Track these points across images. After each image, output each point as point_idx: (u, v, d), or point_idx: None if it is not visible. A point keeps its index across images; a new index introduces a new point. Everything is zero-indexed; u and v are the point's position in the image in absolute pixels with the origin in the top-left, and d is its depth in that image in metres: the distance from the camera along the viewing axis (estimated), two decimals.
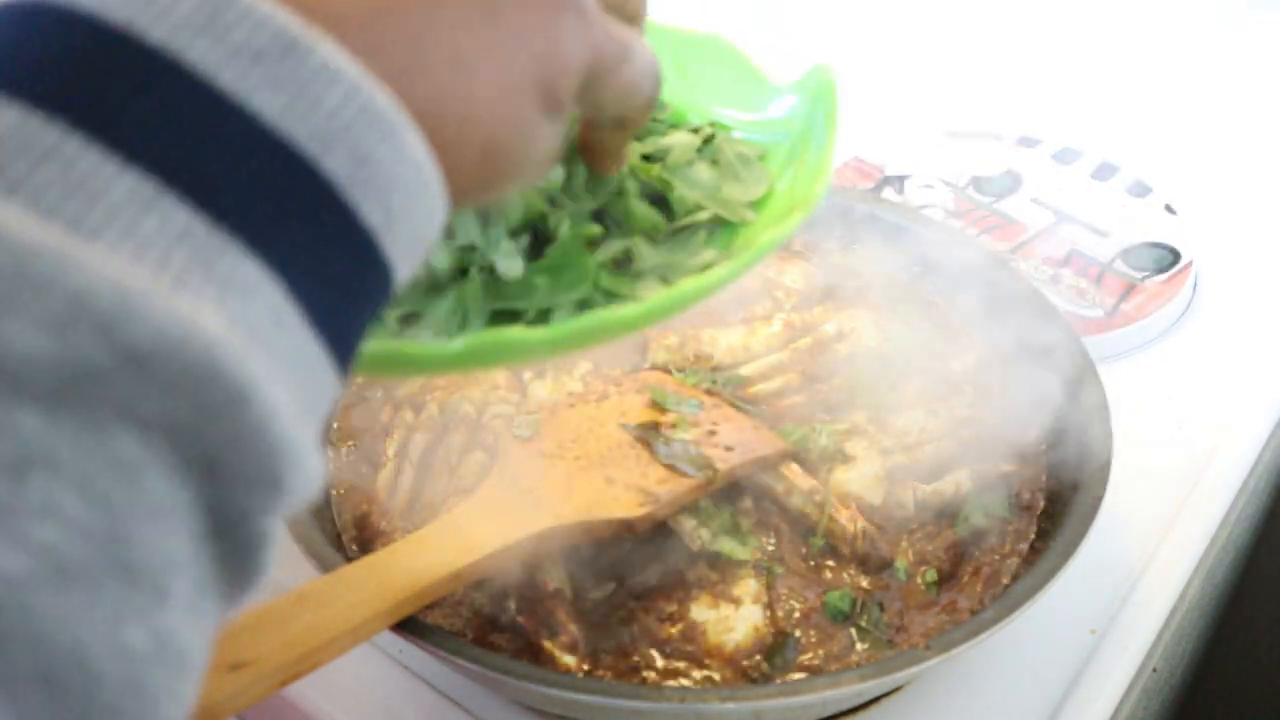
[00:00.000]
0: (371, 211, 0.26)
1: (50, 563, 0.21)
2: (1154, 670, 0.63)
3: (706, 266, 0.42)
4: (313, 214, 0.25)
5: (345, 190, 0.26)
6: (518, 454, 0.63)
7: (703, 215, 0.45)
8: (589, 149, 0.41)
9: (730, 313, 0.74)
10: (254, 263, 0.24)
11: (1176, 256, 0.87)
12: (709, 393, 0.68)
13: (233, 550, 0.24)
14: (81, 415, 0.22)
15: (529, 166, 0.32)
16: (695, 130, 0.48)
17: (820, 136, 0.46)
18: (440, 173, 0.28)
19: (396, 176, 0.27)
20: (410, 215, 0.27)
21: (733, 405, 0.67)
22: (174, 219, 0.23)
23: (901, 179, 0.95)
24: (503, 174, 0.31)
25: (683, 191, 0.45)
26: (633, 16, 0.36)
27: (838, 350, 0.72)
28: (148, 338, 0.22)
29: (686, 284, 0.39)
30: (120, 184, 0.23)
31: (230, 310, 0.23)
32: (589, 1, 0.33)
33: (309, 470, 0.25)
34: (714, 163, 0.47)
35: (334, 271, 0.26)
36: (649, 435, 0.63)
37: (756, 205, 0.46)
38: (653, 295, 0.39)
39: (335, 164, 0.25)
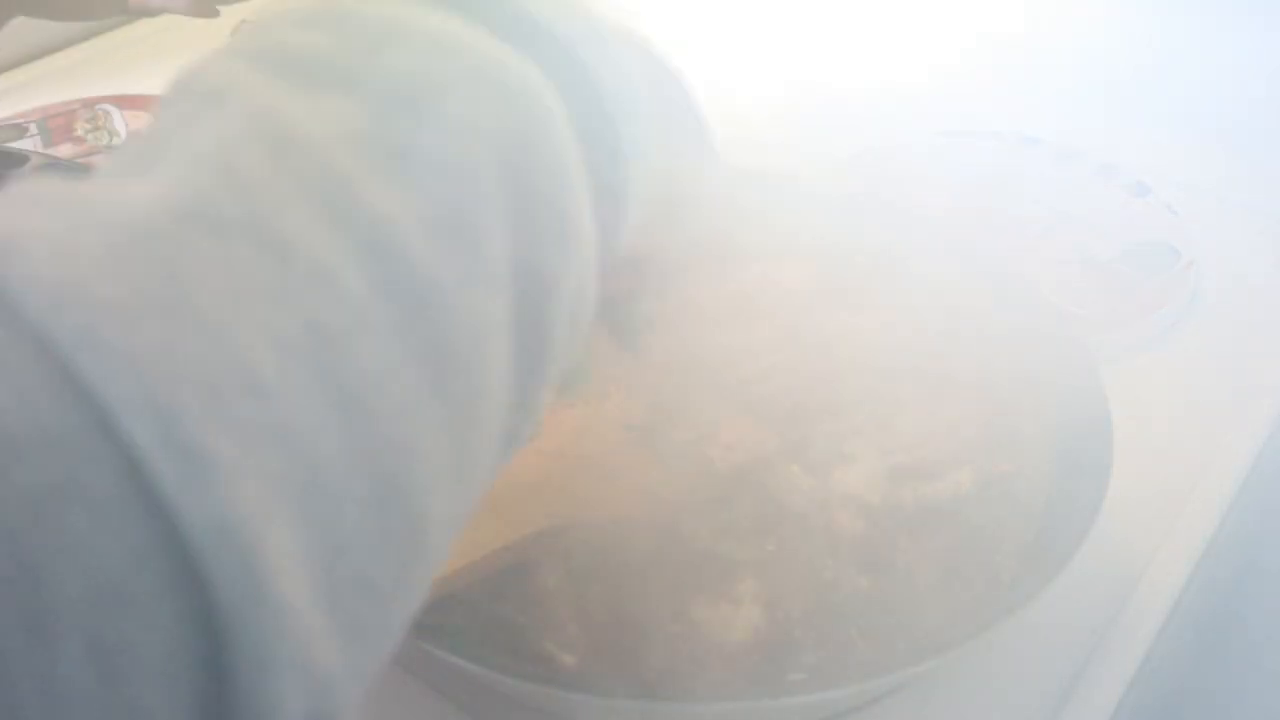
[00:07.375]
0: None
1: None
2: (1154, 670, 0.63)
3: None
4: None
5: None
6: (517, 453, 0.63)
7: None
8: None
9: (730, 312, 0.74)
10: None
11: (1177, 256, 0.87)
12: (709, 394, 0.68)
13: None
14: None
15: None
16: None
17: None
18: None
19: None
20: None
21: (731, 404, 0.67)
22: None
23: (901, 179, 0.94)
24: None
25: None
26: None
27: (838, 350, 0.72)
28: None
29: None
30: None
31: None
32: None
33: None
34: None
35: None
36: (649, 435, 0.63)
37: None
38: None
39: None
